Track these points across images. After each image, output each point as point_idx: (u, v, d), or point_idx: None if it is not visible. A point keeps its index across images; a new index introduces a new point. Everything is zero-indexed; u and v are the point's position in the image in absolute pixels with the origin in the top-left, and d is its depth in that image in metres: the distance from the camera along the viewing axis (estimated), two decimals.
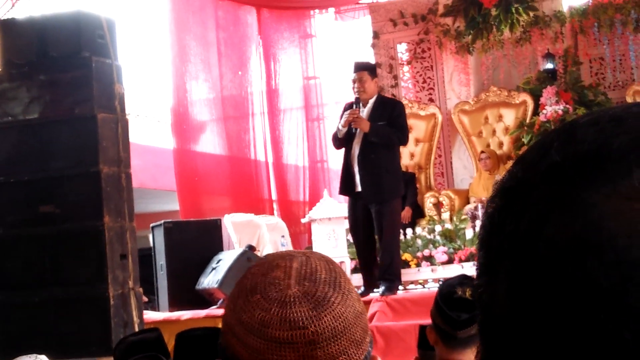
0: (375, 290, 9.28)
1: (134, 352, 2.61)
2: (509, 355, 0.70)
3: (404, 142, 9.23)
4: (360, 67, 9.20)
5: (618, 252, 0.64)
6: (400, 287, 9.82)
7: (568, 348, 0.66)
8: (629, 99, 12.43)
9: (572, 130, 0.71)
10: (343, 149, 9.20)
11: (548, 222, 0.67)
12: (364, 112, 9.02)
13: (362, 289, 9.23)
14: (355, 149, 8.94)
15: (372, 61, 13.86)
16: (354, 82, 9.06)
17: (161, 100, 14.94)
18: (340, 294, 1.48)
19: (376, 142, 8.82)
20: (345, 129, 8.95)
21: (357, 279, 9.49)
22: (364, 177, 8.83)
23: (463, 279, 3.46)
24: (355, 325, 1.47)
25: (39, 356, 3.95)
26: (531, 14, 12.77)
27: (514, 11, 12.71)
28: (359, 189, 8.90)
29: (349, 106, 9.12)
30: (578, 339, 0.65)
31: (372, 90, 9.12)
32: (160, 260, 9.99)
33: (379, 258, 9.16)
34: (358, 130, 8.90)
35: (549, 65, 12.70)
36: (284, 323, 1.44)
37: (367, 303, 8.90)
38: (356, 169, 8.91)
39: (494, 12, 12.78)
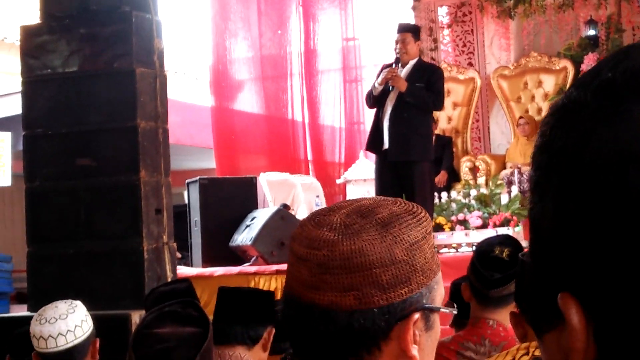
0: None
1: (165, 302, 2.63)
2: (557, 270, 0.73)
3: (439, 107, 9.31)
4: (405, 29, 9.26)
5: None
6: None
7: (610, 258, 0.68)
8: None
9: (627, 51, 0.73)
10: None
11: (594, 135, 0.69)
12: (402, 72, 9.05)
13: None
14: (388, 107, 8.97)
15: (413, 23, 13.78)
16: (396, 42, 9.09)
17: (200, 57, 14.94)
18: (380, 235, 1.46)
19: (410, 103, 8.84)
20: (381, 87, 8.98)
21: None
22: (393, 134, 8.85)
23: (505, 238, 3.44)
24: (381, 268, 1.45)
25: (73, 302, 3.99)
26: None
27: None
28: (385, 147, 8.90)
29: (387, 66, 9.15)
30: (620, 249, 0.68)
31: (414, 52, 9.16)
32: (195, 216, 10.03)
33: None
34: (393, 89, 8.92)
35: (591, 32, 12.57)
36: (304, 240, 1.49)
37: None
38: (386, 125, 8.92)
39: None
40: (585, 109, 0.71)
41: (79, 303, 3.99)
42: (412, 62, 9.11)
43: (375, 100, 9.14)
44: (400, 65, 9.04)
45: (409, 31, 9.28)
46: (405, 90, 8.82)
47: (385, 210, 1.50)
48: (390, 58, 9.31)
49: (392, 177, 8.97)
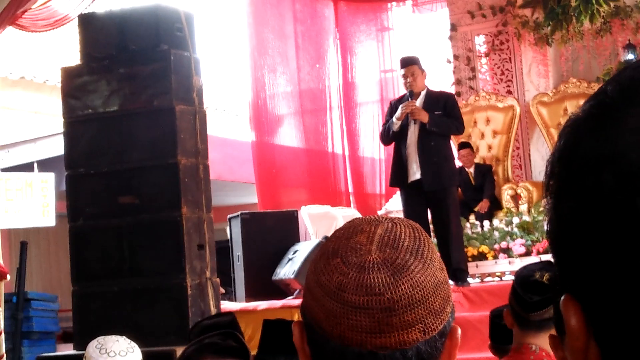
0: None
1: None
2: (561, 274, 0.77)
3: (462, 131, 9.51)
4: (410, 62, 9.39)
5: (631, 164, 0.69)
6: (477, 279, 9.81)
7: (597, 261, 0.71)
8: None
9: (627, 66, 0.76)
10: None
11: (582, 141, 0.74)
12: (417, 104, 9.14)
13: None
14: (412, 139, 9.02)
15: (450, 53, 13.82)
16: (405, 77, 9.20)
17: (239, 93, 15.03)
18: (421, 262, 1.46)
19: (435, 131, 8.90)
20: (400, 122, 9.04)
21: None
22: (424, 164, 8.90)
23: (546, 264, 3.43)
24: (434, 295, 1.46)
25: (132, 341, 4.00)
26: (612, 4, 12.59)
27: (594, 2, 12.55)
28: (414, 178, 8.94)
29: (396, 101, 9.27)
30: (603, 251, 0.71)
31: (422, 83, 9.26)
32: (237, 251, 10.07)
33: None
34: (412, 121, 8.97)
35: (630, 56, 12.52)
36: (360, 288, 1.43)
37: None
38: (414, 158, 8.97)
39: (573, 2, 12.63)
40: (581, 118, 0.75)
41: (135, 345, 4.01)
42: (422, 93, 9.21)
43: (394, 137, 9.22)
44: (412, 97, 9.13)
45: (415, 63, 9.38)
46: (428, 120, 8.89)
47: (400, 234, 1.52)
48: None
49: (423, 207, 9.00)
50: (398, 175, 9.16)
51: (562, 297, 0.76)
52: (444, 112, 9.06)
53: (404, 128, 9.09)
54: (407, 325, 1.43)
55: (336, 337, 1.44)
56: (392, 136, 9.27)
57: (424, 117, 8.89)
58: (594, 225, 0.71)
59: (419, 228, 1.54)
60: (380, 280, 1.43)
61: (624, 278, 0.69)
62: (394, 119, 9.21)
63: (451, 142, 9.50)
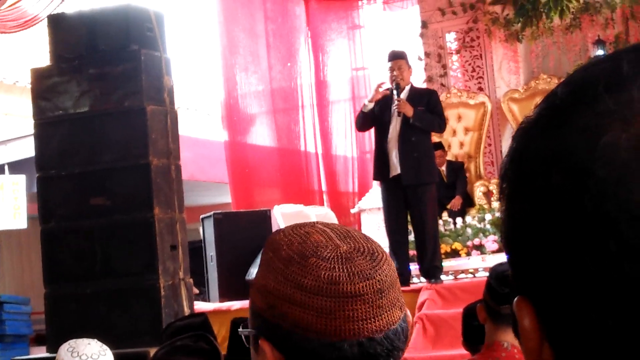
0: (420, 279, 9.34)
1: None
2: (515, 270, 0.78)
3: (444, 129, 9.53)
4: (399, 56, 9.36)
5: (579, 163, 0.70)
6: (450, 276, 9.84)
7: (546, 262, 0.73)
8: None
9: (577, 69, 0.78)
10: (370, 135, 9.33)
11: (532, 143, 0.75)
12: (402, 98, 9.10)
13: None
14: (393, 134, 9.01)
15: (421, 51, 13.84)
16: (391, 70, 9.16)
17: (211, 93, 15.01)
18: (375, 245, 1.52)
19: (418, 127, 8.90)
20: (372, 104, 9.03)
21: None
22: (404, 159, 8.89)
23: None
24: (395, 272, 1.52)
25: (103, 345, 3.98)
26: (581, 0, 12.66)
27: None
28: (395, 172, 8.94)
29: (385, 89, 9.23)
30: (554, 253, 0.72)
31: (408, 78, 9.28)
32: (211, 251, 10.05)
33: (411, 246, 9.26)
34: (395, 114, 8.96)
35: (600, 52, 12.58)
36: (353, 276, 1.46)
37: (417, 291, 8.89)
38: (394, 152, 8.96)
39: None
40: (532, 121, 0.76)
41: (107, 348, 3.99)
42: (407, 88, 9.20)
43: (366, 121, 9.18)
44: (398, 91, 9.10)
45: (403, 58, 9.38)
46: (413, 115, 8.88)
47: (343, 227, 1.56)
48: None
49: (402, 202, 9.01)
50: (381, 169, 9.15)
51: (516, 298, 0.77)
52: (427, 109, 9.06)
53: (387, 121, 9.07)
54: (392, 304, 1.48)
55: (331, 333, 1.45)
56: (364, 119, 9.24)
57: (409, 111, 8.88)
58: (543, 225, 0.72)
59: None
60: (366, 265, 1.47)
61: (573, 278, 0.70)
62: (366, 101, 9.23)
63: (431, 138, 9.49)
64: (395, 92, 9.04)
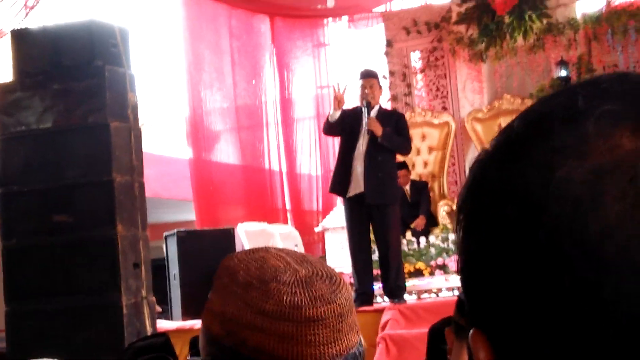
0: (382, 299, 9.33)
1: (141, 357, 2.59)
2: (470, 302, 0.78)
3: (409, 152, 9.55)
4: (371, 74, 9.38)
5: (534, 198, 0.70)
6: (414, 296, 9.85)
7: (500, 295, 0.73)
8: None
9: (542, 99, 0.78)
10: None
11: (490, 175, 0.75)
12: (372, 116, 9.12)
13: (353, 297, 9.20)
14: (359, 151, 9.00)
15: (385, 69, 13.89)
16: (363, 87, 9.16)
17: (175, 109, 14.95)
18: (330, 269, 1.54)
19: (385, 147, 8.91)
20: (338, 113, 9.04)
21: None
22: (369, 177, 8.89)
23: None
24: (352, 296, 1.54)
25: None
26: (544, 21, 12.76)
27: (527, 18, 12.71)
28: (358, 190, 8.93)
29: (350, 112, 9.21)
30: (507, 287, 0.72)
31: (378, 98, 9.30)
32: (174, 269, 10.00)
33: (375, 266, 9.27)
34: (363, 132, 8.97)
35: (563, 73, 12.69)
36: (314, 301, 1.46)
37: (380, 311, 8.88)
38: (359, 169, 8.96)
39: (507, 19, 12.78)
40: (489, 154, 0.77)
41: None
42: (376, 108, 9.22)
43: (335, 127, 9.19)
44: (369, 109, 9.11)
45: (375, 77, 9.41)
46: (382, 134, 8.88)
47: (297, 252, 1.56)
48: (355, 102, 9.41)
49: (365, 221, 9.01)
50: (340, 183, 9.14)
51: (471, 331, 0.77)
52: (394, 130, 9.08)
53: (354, 138, 9.07)
54: (350, 328, 1.49)
55: (293, 358, 1.44)
56: (330, 128, 9.25)
57: (378, 130, 8.89)
58: (498, 259, 0.72)
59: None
60: (326, 289, 1.48)
61: (528, 313, 0.70)
62: (331, 110, 9.24)
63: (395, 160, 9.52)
64: (365, 110, 9.06)
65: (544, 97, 0.77)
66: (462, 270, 0.78)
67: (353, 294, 9.27)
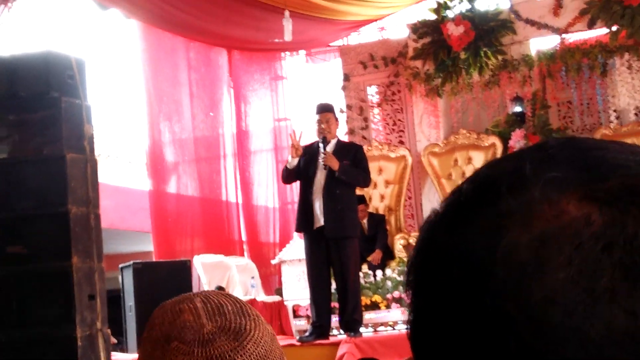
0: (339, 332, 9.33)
1: None
2: None
3: (368, 184, 9.55)
4: (327, 109, 9.40)
5: (480, 263, 0.70)
6: (370, 329, 9.86)
7: (445, 352, 0.73)
8: None
9: (490, 162, 0.78)
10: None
11: (439, 238, 0.74)
12: (328, 151, 9.14)
13: (310, 331, 9.21)
14: (318, 185, 9.03)
15: (342, 103, 13.97)
16: (319, 122, 9.18)
17: (133, 140, 14.92)
18: (252, 321, 1.50)
19: (343, 180, 8.93)
20: (295, 160, 9.07)
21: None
22: (328, 211, 8.91)
23: None
24: (273, 347, 1.50)
25: None
26: (500, 57, 12.91)
27: (482, 55, 12.85)
28: (318, 224, 8.95)
29: (306, 148, 9.24)
30: (450, 346, 0.72)
31: (335, 131, 9.30)
32: (129, 301, 9.94)
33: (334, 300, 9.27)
34: (321, 166, 8.99)
35: (518, 109, 12.83)
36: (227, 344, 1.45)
37: (336, 345, 8.88)
38: (317, 204, 8.98)
39: (463, 55, 12.91)
40: (439, 216, 0.76)
41: None
42: (333, 141, 9.24)
43: (291, 175, 9.22)
44: (325, 144, 9.14)
45: (331, 111, 9.43)
46: (339, 168, 8.91)
47: (220, 301, 1.54)
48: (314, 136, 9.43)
49: (324, 254, 9.02)
50: (303, 221, 9.15)
51: None
52: (352, 163, 9.11)
53: (312, 174, 9.09)
54: None
55: None
56: (288, 175, 9.28)
57: (335, 165, 8.91)
58: (446, 322, 0.72)
59: (230, 294, 1.57)
60: (225, 347, 1.46)
61: None
62: (289, 158, 9.25)
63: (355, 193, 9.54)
64: (322, 145, 9.08)
65: (492, 161, 0.78)
66: (410, 330, 0.78)
67: (309, 327, 9.28)
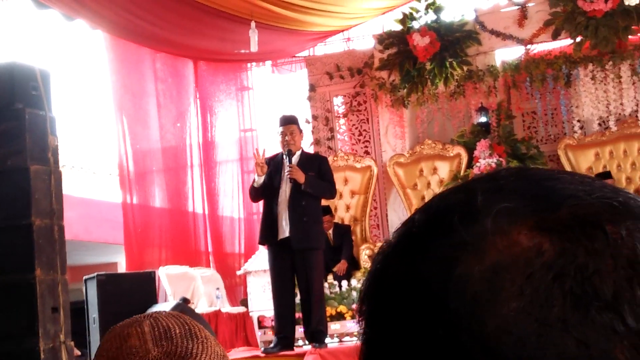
0: (304, 343, 9.32)
1: None
2: None
3: (334, 195, 9.51)
4: (291, 121, 9.35)
5: (432, 294, 0.69)
6: (335, 339, 9.86)
7: None
8: (561, 152, 12.67)
9: (442, 193, 0.78)
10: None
11: (391, 269, 0.74)
12: (293, 163, 9.12)
13: (274, 342, 9.20)
14: (283, 197, 9.02)
15: (308, 113, 13.99)
16: (283, 135, 9.15)
17: (98, 151, 14.87)
18: (199, 344, 1.48)
19: (309, 193, 8.93)
20: (261, 179, 9.05)
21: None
22: (294, 223, 8.90)
23: None
24: None
25: None
26: (465, 68, 12.98)
27: (448, 65, 12.91)
28: (283, 236, 8.94)
29: (269, 160, 9.22)
30: None
31: (299, 143, 9.27)
32: (93, 313, 9.88)
33: (299, 311, 9.26)
34: (286, 178, 8.99)
35: (483, 119, 12.90)
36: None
37: (301, 356, 8.88)
38: (283, 215, 8.97)
39: (428, 66, 12.97)
40: (391, 246, 0.76)
41: None
42: (298, 153, 9.22)
43: (260, 192, 9.20)
44: (290, 156, 9.12)
45: (295, 123, 9.39)
46: (304, 180, 8.90)
47: (168, 324, 1.52)
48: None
49: (289, 266, 9.01)
50: (267, 232, 9.14)
51: None
52: (317, 175, 9.11)
53: (277, 186, 9.08)
54: None
55: None
56: (256, 193, 9.27)
57: (300, 177, 8.90)
58: (399, 352, 0.72)
59: (180, 315, 1.56)
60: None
61: None
62: (255, 176, 9.22)
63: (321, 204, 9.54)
64: (286, 157, 9.07)
65: (444, 191, 0.78)
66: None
67: (274, 338, 9.27)
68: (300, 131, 9.38)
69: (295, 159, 9.13)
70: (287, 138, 9.15)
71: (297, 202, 8.96)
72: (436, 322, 0.69)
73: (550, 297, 0.67)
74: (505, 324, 0.67)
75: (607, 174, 11.94)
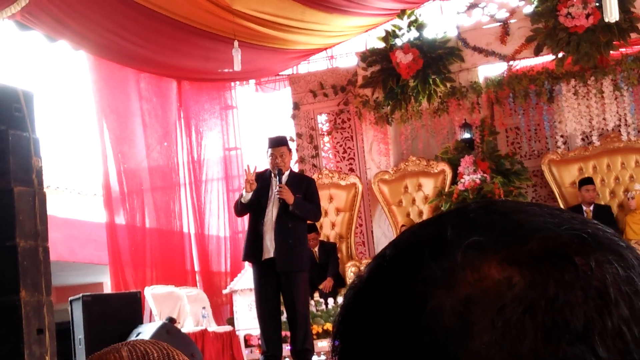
0: None
1: None
2: None
3: (319, 218, 9.57)
4: (281, 142, 9.35)
5: (404, 330, 0.70)
6: (322, 357, 9.85)
7: None
8: (544, 168, 12.71)
9: (415, 226, 0.79)
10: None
11: (362, 304, 0.75)
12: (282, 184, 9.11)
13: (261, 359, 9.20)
14: (269, 217, 9.00)
15: (293, 132, 14.00)
16: (274, 156, 9.13)
17: (83, 172, 14.84)
18: None
19: (296, 214, 8.92)
20: (249, 195, 9.04)
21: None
22: (279, 244, 8.88)
23: None
24: None
25: None
26: (448, 85, 13.04)
27: (431, 82, 12.96)
28: (268, 256, 8.92)
29: (258, 176, 9.20)
30: None
31: (289, 164, 9.28)
32: (79, 334, 9.85)
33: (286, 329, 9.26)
34: (274, 198, 8.98)
35: (466, 135, 12.94)
36: None
37: None
38: (268, 236, 8.95)
39: (412, 83, 13.00)
40: (363, 281, 0.77)
41: None
42: (286, 174, 9.22)
43: (246, 208, 9.19)
44: (280, 176, 9.12)
45: (285, 144, 9.39)
46: (293, 202, 8.89)
47: (146, 350, 1.53)
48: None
49: (274, 286, 9.00)
50: (252, 250, 9.12)
51: None
52: (304, 196, 9.11)
53: (263, 204, 9.07)
54: None
55: None
56: (242, 209, 9.25)
57: (290, 198, 8.88)
58: None
59: (157, 341, 1.56)
60: None
61: None
62: (243, 192, 9.21)
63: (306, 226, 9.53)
64: (276, 177, 9.06)
65: (414, 226, 0.78)
66: None
67: (261, 357, 9.26)
68: (290, 151, 9.38)
69: (284, 178, 9.12)
70: (277, 160, 9.14)
71: (283, 223, 8.95)
72: (409, 357, 0.70)
73: (521, 329, 0.67)
74: (478, 358, 0.67)
75: (588, 180, 12.05)
